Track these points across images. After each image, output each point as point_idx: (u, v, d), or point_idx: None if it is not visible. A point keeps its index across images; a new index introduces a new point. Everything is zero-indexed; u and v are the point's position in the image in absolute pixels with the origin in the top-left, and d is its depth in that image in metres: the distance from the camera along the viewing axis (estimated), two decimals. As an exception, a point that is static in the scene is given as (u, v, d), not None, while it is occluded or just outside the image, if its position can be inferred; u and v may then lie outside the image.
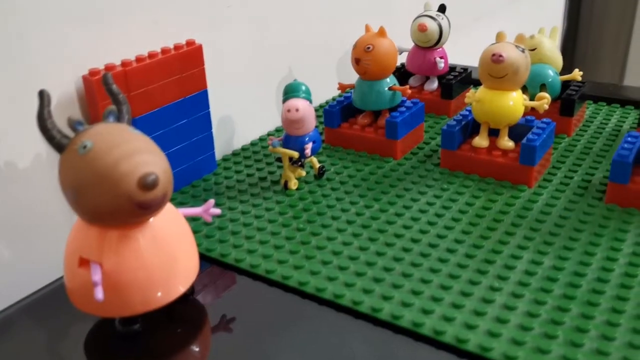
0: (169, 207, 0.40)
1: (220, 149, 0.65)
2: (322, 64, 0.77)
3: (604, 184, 0.55)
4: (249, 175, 0.60)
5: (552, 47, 0.67)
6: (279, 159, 0.57)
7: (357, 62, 0.61)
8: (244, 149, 0.66)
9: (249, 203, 0.55)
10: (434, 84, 0.75)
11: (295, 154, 0.55)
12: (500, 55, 0.54)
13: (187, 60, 0.54)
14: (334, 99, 0.78)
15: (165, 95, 0.53)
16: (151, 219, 0.37)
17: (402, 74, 0.77)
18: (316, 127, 0.57)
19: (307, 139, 0.56)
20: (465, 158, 0.58)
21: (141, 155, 0.34)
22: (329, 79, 0.77)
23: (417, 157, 0.63)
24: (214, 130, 0.61)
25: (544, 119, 0.59)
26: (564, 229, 0.49)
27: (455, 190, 0.56)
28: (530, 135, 0.55)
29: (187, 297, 0.43)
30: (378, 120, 0.65)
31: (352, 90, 0.65)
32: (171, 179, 0.36)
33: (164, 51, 0.53)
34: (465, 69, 0.75)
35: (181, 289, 0.40)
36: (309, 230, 0.50)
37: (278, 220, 0.52)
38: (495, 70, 0.55)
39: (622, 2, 1.40)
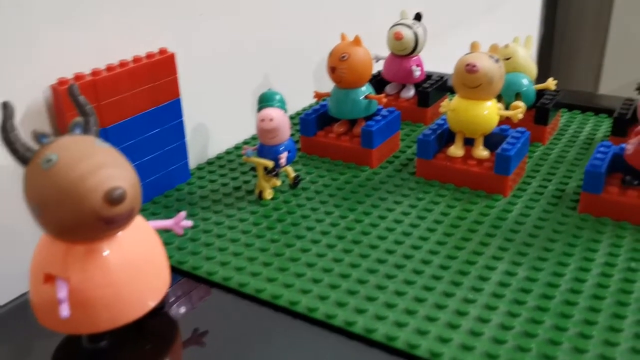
0: (138, 220, 0.39)
1: (195, 158, 0.64)
2: (298, 72, 0.77)
3: (578, 193, 0.55)
4: (223, 184, 0.59)
5: (526, 56, 0.67)
6: (254, 169, 0.57)
7: (332, 70, 0.61)
8: (219, 157, 0.65)
9: (222, 213, 0.54)
10: (410, 92, 0.75)
11: (270, 164, 0.55)
12: (474, 66, 0.54)
13: (160, 68, 0.54)
14: (310, 107, 0.78)
15: (137, 104, 0.52)
16: (119, 233, 0.37)
17: (379, 81, 0.76)
18: (291, 136, 0.57)
19: (281, 148, 0.55)
20: (440, 167, 0.58)
21: (107, 170, 0.34)
22: (305, 87, 0.77)
23: (393, 166, 0.62)
24: (188, 138, 0.60)
25: (519, 128, 0.59)
26: (538, 239, 0.49)
27: (431, 199, 0.56)
28: (504, 145, 0.55)
29: (158, 312, 0.42)
30: (354, 128, 0.65)
31: (328, 99, 0.65)
32: (139, 192, 0.36)
33: (136, 60, 0.52)
34: (441, 77, 0.75)
35: (151, 304, 0.39)
36: (283, 242, 0.50)
37: (252, 231, 0.51)
38: (470, 80, 0.54)
39: (597, 9, 1.41)
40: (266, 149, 0.56)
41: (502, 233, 0.50)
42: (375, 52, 0.75)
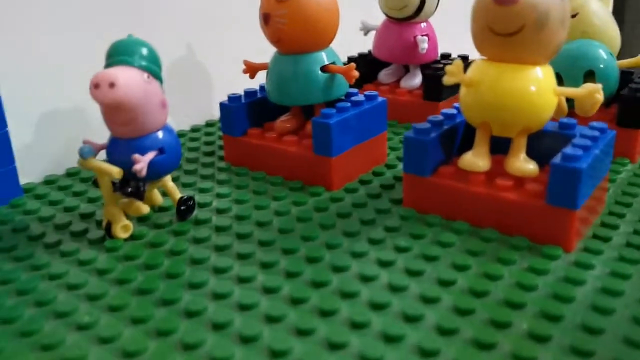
0: None
1: (42, 166, 0.39)
2: (239, 46, 0.51)
3: None
4: (67, 209, 0.34)
5: (603, 15, 0.41)
6: (96, 182, 0.31)
7: (265, 20, 0.36)
8: (88, 166, 0.40)
9: (24, 263, 0.29)
10: (415, 79, 0.49)
11: (116, 172, 0.29)
12: (511, -10, 0.27)
13: None
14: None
15: None
16: None
17: (369, 64, 0.51)
18: (167, 126, 0.31)
19: (146, 143, 0.30)
20: (445, 191, 0.32)
21: None
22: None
23: (368, 188, 0.36)
24: (31, 134, 0.36)
25: (594, 123, 0.32)
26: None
27: (422, 251, 0.29)
28: (568, 150, 0.29)
29: None
30: (307, 123, 0.39)
31: (266, 73, 0.39)
32: None
33: None
34: (464, 57, 0.49)
35: None
36: (104, 323, 0.24)
37: (57, 299, 0.26)
38: (502, 21, 0.28)
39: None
40: (119, 147, 0.30)
41: (564, 331, 0.23)
42: (363, 20, 0.50)
